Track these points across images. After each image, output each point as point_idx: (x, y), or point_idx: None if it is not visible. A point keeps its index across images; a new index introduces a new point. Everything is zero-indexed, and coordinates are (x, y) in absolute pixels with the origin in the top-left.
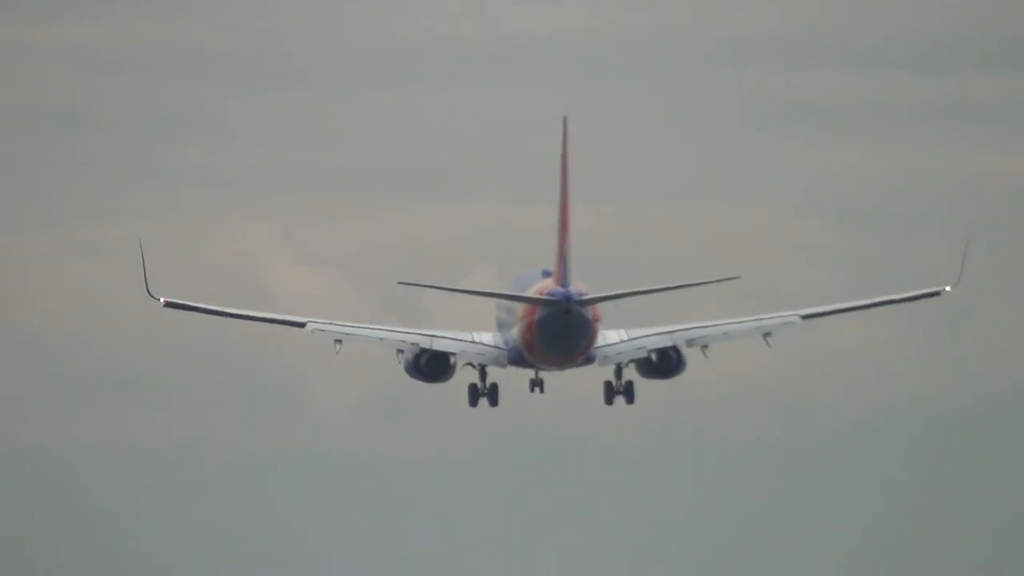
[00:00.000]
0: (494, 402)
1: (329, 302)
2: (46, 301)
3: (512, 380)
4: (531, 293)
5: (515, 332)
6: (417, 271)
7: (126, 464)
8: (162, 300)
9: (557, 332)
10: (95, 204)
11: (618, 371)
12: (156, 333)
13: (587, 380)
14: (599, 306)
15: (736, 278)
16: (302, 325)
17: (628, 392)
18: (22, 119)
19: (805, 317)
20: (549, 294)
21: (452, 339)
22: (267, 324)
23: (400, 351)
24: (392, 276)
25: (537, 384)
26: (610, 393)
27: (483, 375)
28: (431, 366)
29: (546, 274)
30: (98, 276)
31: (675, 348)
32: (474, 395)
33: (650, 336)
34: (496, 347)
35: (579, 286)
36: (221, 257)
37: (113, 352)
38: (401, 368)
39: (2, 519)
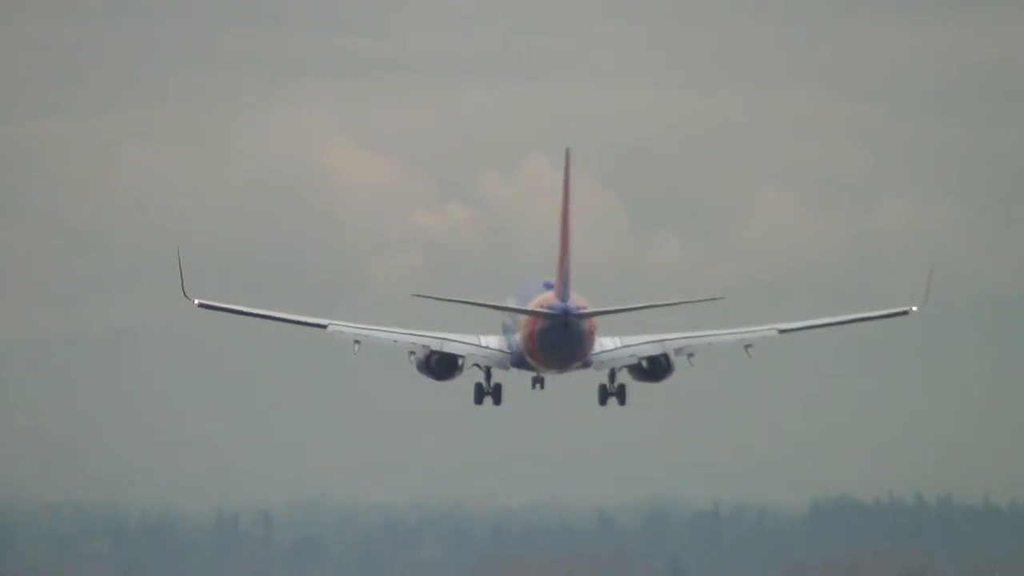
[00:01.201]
0: (498, 401)
1: (385, 186)
2: (101, 187)
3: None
4: (533, 304)
5: (518, 338)
6: (472, 156)
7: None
8: (196, 302)
9: (556, 342)
10: (143, 89)
11: (612, 375)
12: (210, 221)
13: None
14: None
15: (720, 298)
16: (324, 327)
17: (620, 394)
18: (73, 3)
19: (782, 331)
20: (550, 308)
21: (460, 342)
22: (295, 316)
23: (412, 352)
24: (446, 161)
25: (538, 381)
26: (604, 395)
27: (488, 376)
28: (440, 366)
29: (547, 286)
30: (154, 159)
31: (665, 355)
32: (479, 394)
33: (642, 344)
34: (501, 351)
35: (577, 300)
36: (276, 143)
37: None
38: (413, 366)
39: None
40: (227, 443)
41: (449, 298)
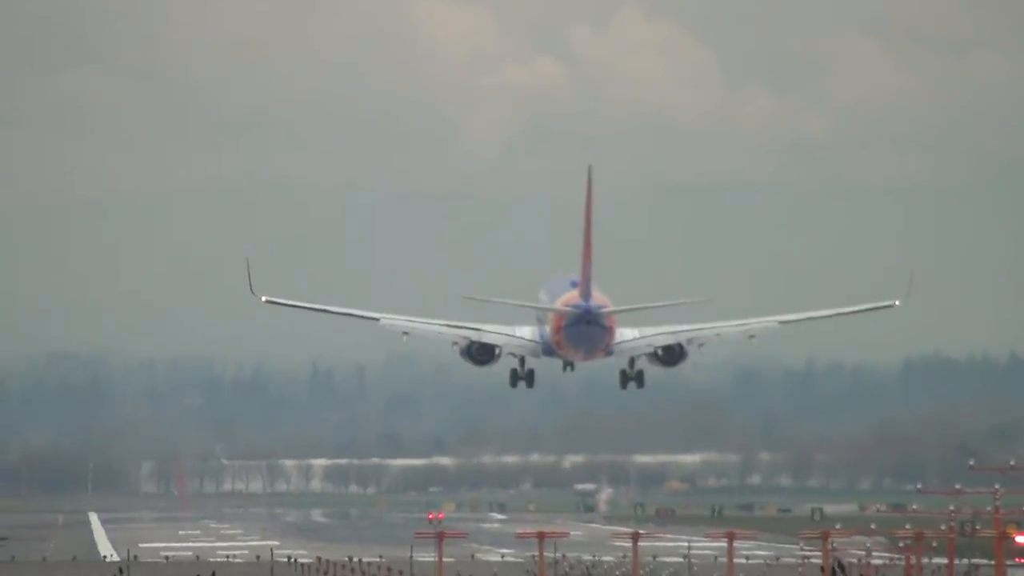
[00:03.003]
0: (531, 384)
1: (475, 40)
2: (191, 39)
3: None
4: (560, 302)
5: (548, 330)
6: (563, 10)
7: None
8: (263, 298)
9: (579, 336)
10: None
11: (631, 362)
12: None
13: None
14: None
15: (711, 299)
16: (376, 320)
17: (639, 379)
18: None
19: (782, 323)
20: (574, 307)
21: (497, 333)
22: (352, 310)
23: (455, 343)
24: (537, 15)
25: (569, 365)
26: (624, 379)
27: (522, 362)
28: (480, 354)
29: (574, 284)
30: (244, 12)
31: (679, 344)
32: (514, 378)
33: (658, 335)
34: (533, 341)
35: (598, 299)
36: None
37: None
38: (456, 354)
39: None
40: (321, 295)
41: (492, 299)
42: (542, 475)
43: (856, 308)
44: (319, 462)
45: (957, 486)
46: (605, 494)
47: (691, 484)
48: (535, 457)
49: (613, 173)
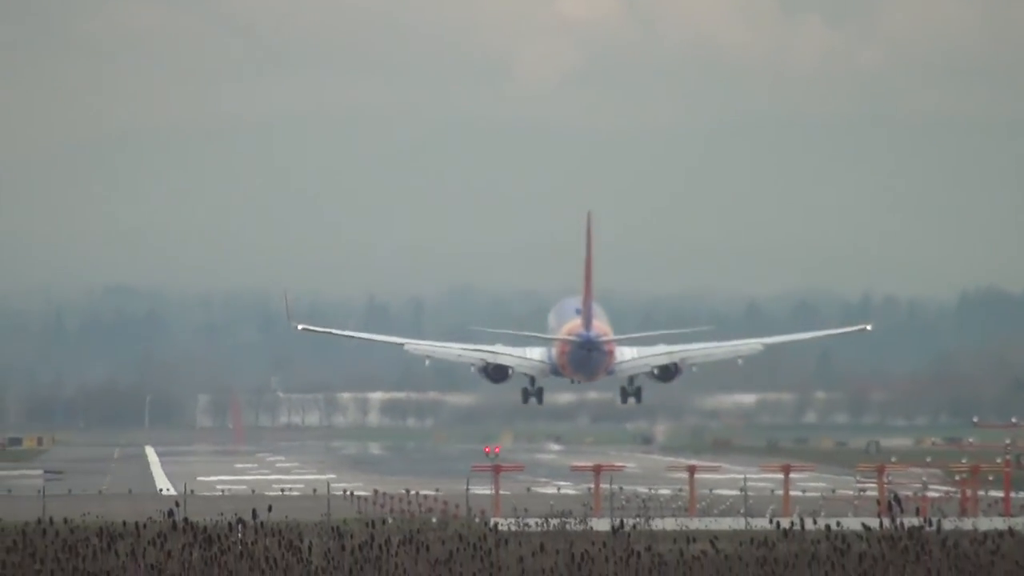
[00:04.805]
0: (540, 401)
1: None
2: None
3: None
4: (564, 330)
5: (554, 353)
6: None
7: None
8: (299, 327)
9: (581, 361)
10: None
11: (631, 380)
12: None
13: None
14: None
15: (711, 328)
16: (401, 344)
17: (637, 395)
18: None
19: (766, 345)
20: (577, 336)
21: (509, 355)
22: (377, 335)
23: (472, 364)
24: None
25: (576, 381)
26: (624, 396)
27: (532, 381)
28: (495, 373)
29: (577, 311)
30: None
31: (673, 364)
32: (525, 396)
33: (655, 356)
34: (542, 362)
35: (598, 328)
36: None
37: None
38: (474, 372)
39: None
40: (376, 229)
41: (507, 331)
42: (599, 411)
43: (831, 331)
44: (376, 395)
45: (1013, 420)
46: (662, 426)
47: (747, 420)
48: (592, 395)
49: (667, 107)
